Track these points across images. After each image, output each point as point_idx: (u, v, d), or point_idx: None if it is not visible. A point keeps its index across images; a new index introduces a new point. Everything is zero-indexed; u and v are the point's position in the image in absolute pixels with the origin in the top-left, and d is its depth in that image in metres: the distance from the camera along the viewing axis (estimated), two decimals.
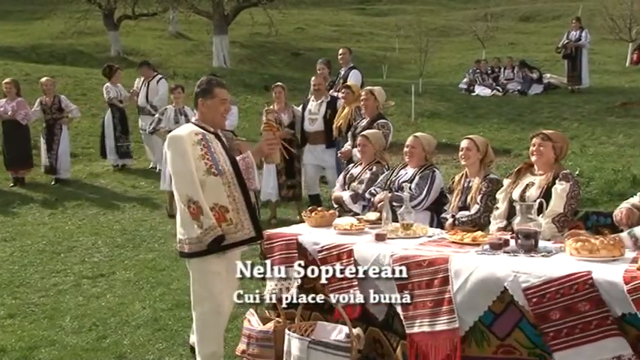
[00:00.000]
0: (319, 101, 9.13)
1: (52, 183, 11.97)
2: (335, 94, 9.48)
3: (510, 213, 5.07)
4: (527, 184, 5.16)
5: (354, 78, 9.85)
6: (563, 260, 3.97)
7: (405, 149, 6.21)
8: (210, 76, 4.97)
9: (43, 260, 8.02)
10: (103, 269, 7.58)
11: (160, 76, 12.91)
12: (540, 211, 4.49)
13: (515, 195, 5.13)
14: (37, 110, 11.92)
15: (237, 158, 4.58)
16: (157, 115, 11.04)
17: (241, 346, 4.92)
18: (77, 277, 7.33)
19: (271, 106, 5.05)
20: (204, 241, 4.38)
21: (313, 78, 9.40)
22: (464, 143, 5.76)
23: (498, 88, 18.54)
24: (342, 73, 10.12)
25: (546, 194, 4.95)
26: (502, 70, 19.34)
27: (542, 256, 4.08)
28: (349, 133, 8.27)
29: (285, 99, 9.37)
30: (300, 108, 9.43)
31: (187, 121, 8.92)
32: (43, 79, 12.40)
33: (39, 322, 6.07)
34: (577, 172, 8.97)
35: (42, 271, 7.59)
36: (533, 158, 5.20)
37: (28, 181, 11.97)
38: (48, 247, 8.56)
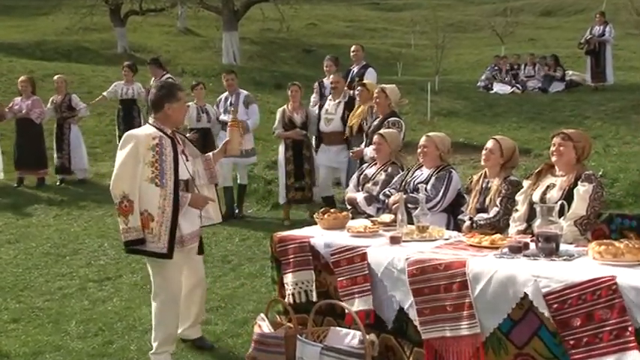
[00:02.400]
0: (337, 101, 8.98)
1: (57, 183, 11.90)
2: (349, 92, 9.30)
3: (530, 215, 4.91)
4: (548, 186, 5.00)
5: (371, 76, 9.70)
6: (586, 264, 3.81)
7: (418, 150, 6.06)
8: (168, 79, 5.36)
9: (47, 263, 7.89)
10: (109, 272, 7.45)
11: (168, 75, 12.70)
12: (562, 213, 4.33)
13: (536, 197, 4.98)
14: (49, 109, 11.86)
15: (181, 195, 4.76)
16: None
17: (252, 352, 4.84)
18: (83, 281, 7.20)
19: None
20: (124, 237, 4.68)
21: (332, 76, 9.25)
22: (489, 144, 5.59)
23: (518, 85, 18.29)
24: (356, 70, 9.93)
25: (568, 196, 4.79)
26: (523, 67, 19.05)
27: (564, 260, 3.93)
28: (363, 133, 8.12)
29: (300, 99, 9.30)
30: (316, 108, 9.29)
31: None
32: (56, 77, 12.36)
33: (44, 327, 5.95)
34: (600, 173, 8.79)
35: (47, 275, 7.46)
36: (553, 159, 5.05)
37: (28, 182, 11.84)
38: (53, 250, 8.43)
